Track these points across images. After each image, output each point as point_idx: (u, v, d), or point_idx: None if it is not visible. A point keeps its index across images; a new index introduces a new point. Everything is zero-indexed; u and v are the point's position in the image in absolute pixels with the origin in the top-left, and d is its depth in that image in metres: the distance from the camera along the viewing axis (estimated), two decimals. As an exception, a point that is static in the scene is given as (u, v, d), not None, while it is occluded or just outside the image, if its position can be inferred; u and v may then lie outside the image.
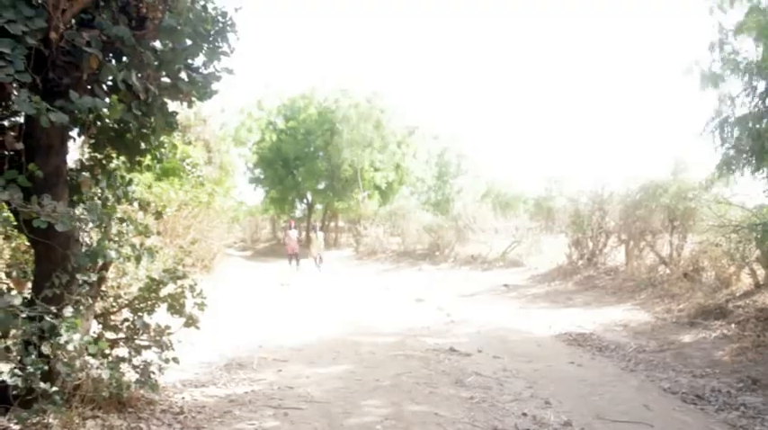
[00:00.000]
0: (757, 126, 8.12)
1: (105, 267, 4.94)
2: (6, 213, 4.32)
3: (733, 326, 8.73)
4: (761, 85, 8.20)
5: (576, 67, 74.24)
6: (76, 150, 6.37)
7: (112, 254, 4.66)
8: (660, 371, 7.09)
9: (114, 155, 5.40)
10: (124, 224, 5.28)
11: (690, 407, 5.70)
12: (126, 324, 5.29)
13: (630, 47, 68.97)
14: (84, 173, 5.18)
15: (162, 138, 5.53)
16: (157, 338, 5.18)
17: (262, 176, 34.08)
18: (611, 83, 69.65)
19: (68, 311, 4.19)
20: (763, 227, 8.34)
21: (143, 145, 5.30)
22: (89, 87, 4.37)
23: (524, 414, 5.34)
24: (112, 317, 5.43)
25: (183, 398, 5.59)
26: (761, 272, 10.12)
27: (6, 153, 4.19)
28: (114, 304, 5.55)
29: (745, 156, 8.39)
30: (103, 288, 5.34)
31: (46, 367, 3.95)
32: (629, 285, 12.92)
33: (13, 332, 4.27)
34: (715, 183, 10.09)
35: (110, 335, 5.22)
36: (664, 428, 5.08)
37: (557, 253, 17.26)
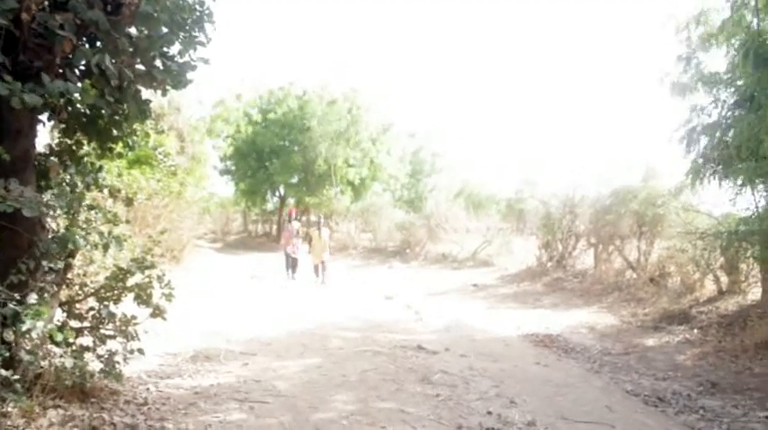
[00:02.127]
0: (724, 137, 8.28)
1: (72, 254, 4.87)
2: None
3: (695, 331, 8.91)
4: (728, 98, 8.37)
5: (552, 71, 74.85)
6: (46, 135, 6.26)
7: (80, 241, 4.59)
8: (624, 373, 7.20)
9: (85, 141, 5.32)
10: (93, 211, 5.21)
11: (651, 409, 5.80)
12: (91, 313, 5.22)
13: (605, 53, 69.72)
14: (53, 158, 5.10)
15: (134, 126, 5.46)
16: (123, 328, 5.13)
17: (234, 168, 33.81)
18: (585, 88, 70.35)
19: (32, 298, 4.13)
20: (727, 235, 8.50)
21: (115, 132, 5.23)
22: (61, 71, 4.29)
23: (489, 412, 5.39)
24: (78, 305, 5.35)
25: (147, 389, 5.54)
26: (724, 279, 10.33)
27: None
28: (80, 292, 5.47)
29: (712, 165, 8.55)
30: (69, 276, 5.26)
31: (7, 354, 3.88)
32: (597, 288, 13.08)
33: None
34: (683, 190, 10.26)
35: (74, 323, 5.14)
36: (625, 429, 5.16)
37: (527, 254, 17.42)
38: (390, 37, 76.32)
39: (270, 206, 35.84)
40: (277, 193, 34.79)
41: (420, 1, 77.04)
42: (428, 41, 76.55)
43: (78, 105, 4.91)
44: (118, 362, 4.96)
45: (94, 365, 4.83)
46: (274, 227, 35.33)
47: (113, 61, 4.31)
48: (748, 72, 7.42)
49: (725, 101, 8.50)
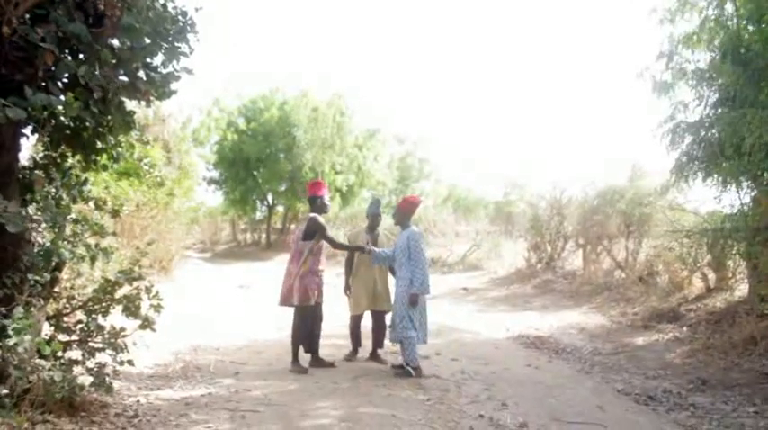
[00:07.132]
0: (708, 134, 8.34)
1: (58, 268, 4.84)
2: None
3: (685, 328, 8.97)
4: (711, 95, 8.43)
5: (536, 72, 75.31)
6: (30, 148, 6.23)
7: (66, 254, 4.57)
8: (614, 373, 7.24)
9: (69, 153, 5.30)
10: (79, 224, 5.18)
11: (642, 408, 5.83)
12: (80, 326, 5.19)
13: (587, 51, 70.24)
14: (37, 171, 5.08)
15: (119, 138, 5.45)
16: (112, 340, 5.09)
17: (222, 177, 33.68)
18: (570, 87, 70.82)
19: (19, 312, 4.09)
20: (713, 232, 8.56)
21: (99, 144, 5.20)
22: (44, 84, 4.28)
23: (481, 415, 5.39)
24: (66, 318, 5.32)
25: (137, 401, 5.49)
26: (711, 276, 10.41)
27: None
28: (68, 305, 5.43)
29: (696, 163, 8.61)
30: (57, 289, 5.23)
31: (-6, 369, 3.85)
32: (586, 289, 13.14)
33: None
34: (669, 189, 10.34)
35: (62, 337, 5.11)
36: (616, 429, 5.18)
37: (516, 257, 17.48)
38: (375, 42, 76.52)
39: (259, 215, 35.71)
40: (266, 202, 34.70)
41: (401, 6, 77.35)
42: (412, 46, 76.82)
43: (62, 118, 4.89)
44: (107, 375, 4.93)
45: (84, 379, 4.79)
46: (263, 236, 34.96)
47: (96, 73, 4.30)
48: (728, 71, 7.50)
49: (708, 98, 8.56)
